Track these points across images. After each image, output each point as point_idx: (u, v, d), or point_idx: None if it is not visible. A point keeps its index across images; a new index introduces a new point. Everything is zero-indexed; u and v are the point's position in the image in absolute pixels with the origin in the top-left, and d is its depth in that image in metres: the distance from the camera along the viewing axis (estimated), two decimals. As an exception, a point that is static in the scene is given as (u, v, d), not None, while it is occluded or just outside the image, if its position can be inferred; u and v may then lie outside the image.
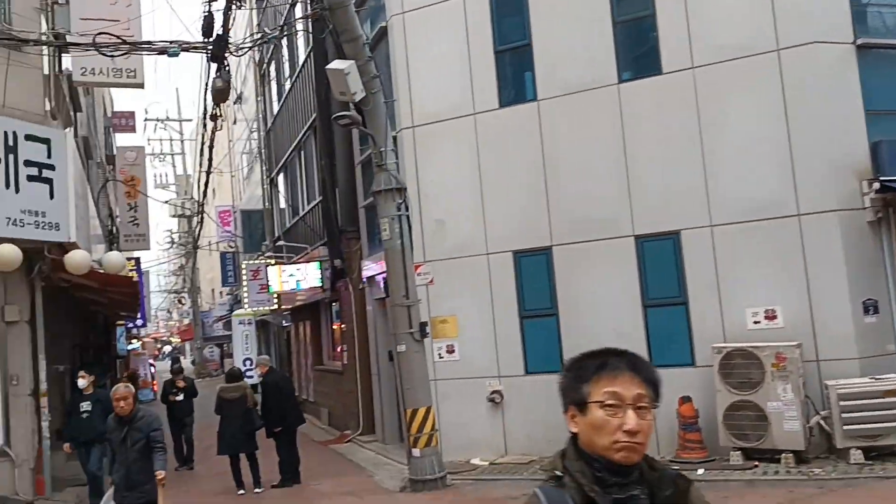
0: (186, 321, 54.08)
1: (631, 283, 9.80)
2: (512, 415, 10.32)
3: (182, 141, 39.45)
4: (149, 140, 39.62)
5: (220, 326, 41.33)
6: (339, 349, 15.26)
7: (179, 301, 48.98)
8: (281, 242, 17.47)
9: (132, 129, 24.25)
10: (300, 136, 16.71)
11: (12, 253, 8.21)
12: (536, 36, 10.51)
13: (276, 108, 20.37)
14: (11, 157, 8.72)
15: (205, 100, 13.42)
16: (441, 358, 10.58)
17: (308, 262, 15.42)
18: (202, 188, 20.83)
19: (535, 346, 10.30)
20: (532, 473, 9.22)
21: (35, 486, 9.36)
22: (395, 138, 10.02)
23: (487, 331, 10.50)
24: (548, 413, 10.04)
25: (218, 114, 11.55)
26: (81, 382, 9.13)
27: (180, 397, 11.84)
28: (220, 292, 45.81)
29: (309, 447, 10.81)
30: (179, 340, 65.50)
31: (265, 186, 21.92)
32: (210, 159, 16.87)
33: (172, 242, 41.70)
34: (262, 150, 21.99)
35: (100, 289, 11.75)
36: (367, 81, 8.97)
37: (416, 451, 8.96)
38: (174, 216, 39.73)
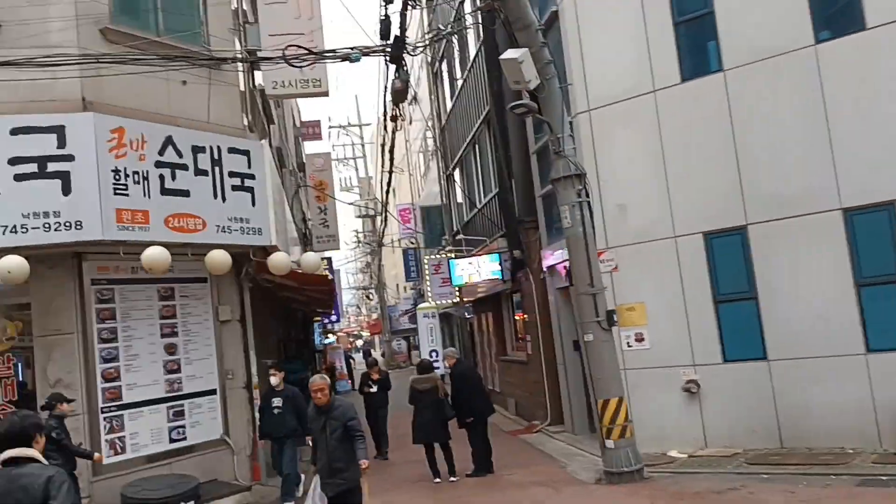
0: (374, 316, 56.77)
1: (838, 260, 8.94)
2: (711, 405, 9.79)
3: (363, 144, 41.32)
4: (333, 146, 41.89)
5: (405, 320, 42.95)
6: (522, 339, 15.26)
7: (367, 297, 51.44)
8: (460, 236, 17.75)
9: (318, 137, 25.76)
10: (474, 130, 16.88)
11: (223, 258, 8.94)
12: (719, 1, 9.86)
13: (449, 105, 20.73)
14: (217, 169, 9.48)
15: (384, 102, 13.87)
16: (630, 347, 10.24)
17: (487, 254, 15.54)
18: (384, 188, 21.61)
19: (733, 332, 9.69)
20: (736, 467, 8.69)
21: (252, 472, 10.16)
22: (570, 124, 9.81)
23: (679, 317, 10.02)
24: (751, 403, 9.48)
25: (397, 114, 11.90)
26: (273, 380, 9.68)
27: (374, 389, 12.36)
28: (404, 287, 47.67)
29: (498, 437, 10.89)
30: (369, 334, 68.82)
31: (442, 182, 22.40)
32: (391, 160, 17.46)
33: (359, 242, 43.89)
34: (438, 147, 22.47)
35: (298, 287, 12.54)
36: (540, 68, 8.85)
37: (609, 443, 8.73)
38: (359, 217, 41.77)
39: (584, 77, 10.81)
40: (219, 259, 8.89)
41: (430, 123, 24.80)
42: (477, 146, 17.10)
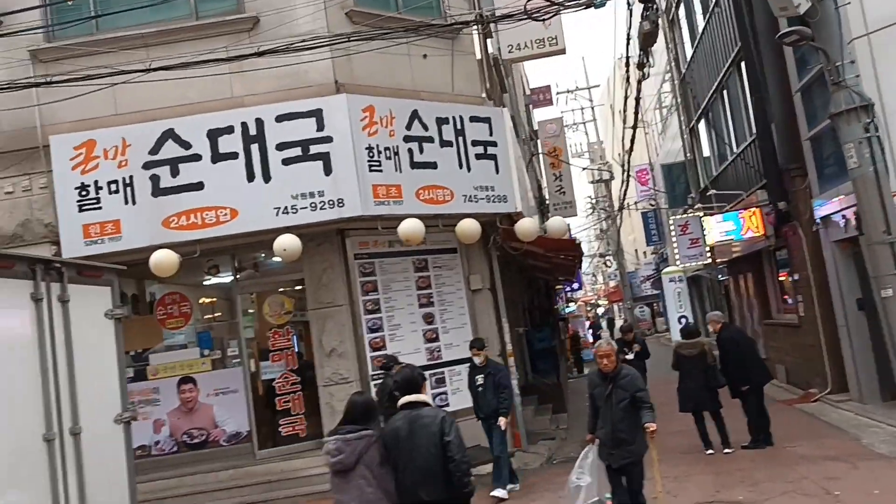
0: (612, 283, 55.62)
1: None
2: None
3: (592, 108, 40.27)
4: (561, 112, 41.21)
5: (647, 286, 41.51)
6: (791, 300, 13.83)
7: (605, 263, 50.39)
8: (710, 192, 16.49)
9: (549, 103, 25.40)
10: (721, 75, 15.53)
11: (473, 226, 8.95)
12: None
13: (689, 52, 19.32)
14: (461, 139, 9.51)
15: (626, 51, 13.14)
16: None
17: (745, 208, 14.24)
18: (628, 145, 20.71)
19: None
20: None
21: (513, 440, 10.16)
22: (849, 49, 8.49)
23: None
24: None
25: (645, 61, 11.19)
26: (477, 360, 8.89)
27: (631, 356, 11.82)
28: (644, 252, 46.04)
29: (771, 407, 9.86)
30: (607, 302, 67.71)
31: (685, 137, 21.03)
32: (636, 113, 16.56)
33: (593, 208, 43.01)
34: (678, 100, 21.10)
35: (543, 254, 12.35)
36: (811, -12, 7.72)
37: (919, 414, 7.52)
38: (592, 182, 40.88)
39: (861, -6, 9.35)
40: (469, 228, 8.91)
41: (666, 76, 23.39)
42: (725, 92, 15.73)
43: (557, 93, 38.36)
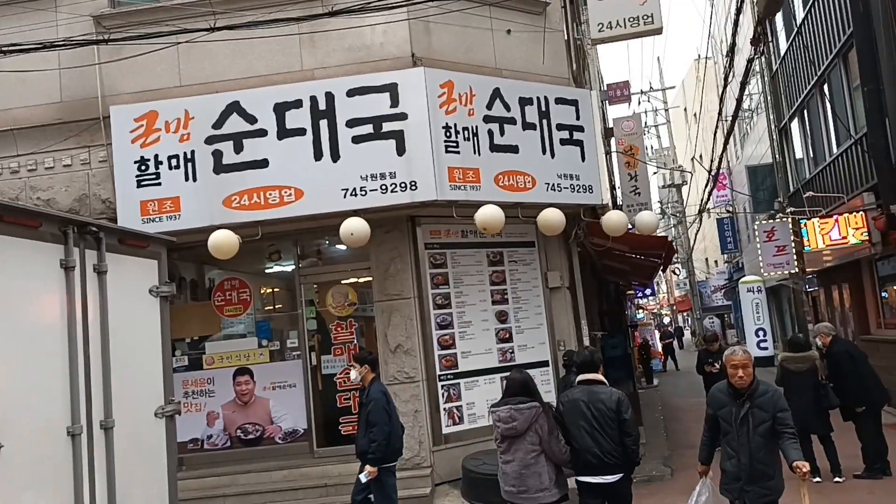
0: (677, 293, 53.74)
1: None
2: None
3: (666, 109, 38.80)
4: (633, 113, 39.89)
5: (718, 296, 39.79)
6: (896, 314, 12.58)
7: (673, 272, 48.71)
8: (808, 193, 15.25)
9: (627, 99, 24.14)
10: (822, 69, 14.32)
11: (557, 217, 8.13)
12: None
13: (783, 47, 18.05)
14: (545, 121, 8.72)
15: (732, 34, 12.07)
16: None
17: (847, 213, 13.02)
18: (722, 140, 19.40)
19: None
20: None
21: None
22: None
23: None
24: None
25: (762, 34, 10.10)
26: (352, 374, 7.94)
27: (716, 368, 10.78)
28: (715, 261, 44.23)
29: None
30: (669, 312, 65.55)
31: (773, 137, 19.72)
32: (738, 102, 15.22)
33: (663, 213, 41.49)
34: (769, 98, 19.80)
35: (625, 254, 11.43)
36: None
37: None
38: (663, 186, 39.44)
39: None
40: (553, 218, 8.10)
41: (750, 75, 22.05)
42: (826, 87, 14.50)
43: (629, 94, 37.03)
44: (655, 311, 66.85)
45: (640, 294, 25.64)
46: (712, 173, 20.21)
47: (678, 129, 44.66)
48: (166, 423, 4.50)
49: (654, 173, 35.74)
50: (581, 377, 5.37)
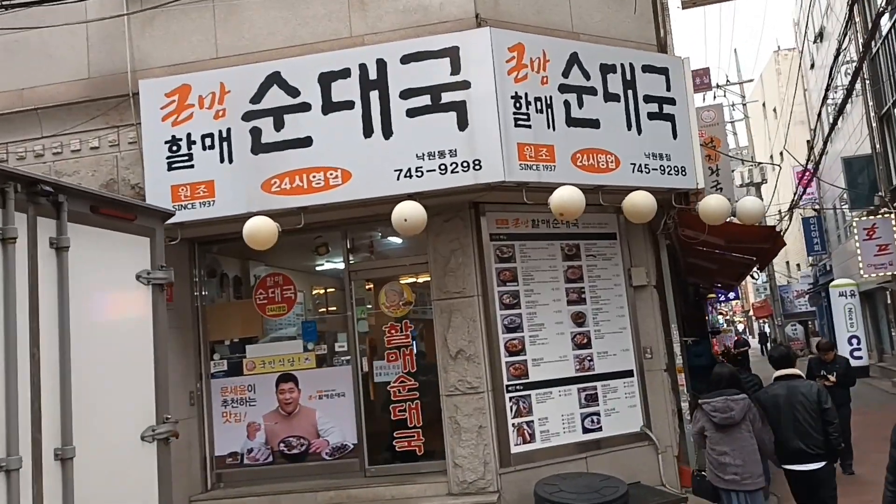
0: (753, 298, 51.13)
1: None
2: None
3: (744, 104, 36.67)
4: (714, 102, 37.79)
5: (802, 302, 37.40)
6: None
7: (750, 275, 46.26)
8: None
9: (708, 87, 22.70)
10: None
11: (647, 201, 6.88)
12: None
13: (885, 26, 16.28)
14: (630, 92, 7.50)
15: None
16: None
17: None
18: (827, 125, 17.69)
19: None
20: None
21: (679, 476, 8.05)
22: None
23: None
24: None
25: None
26: None
27: (831, 380, 9.33)
28: (798, 264, 41.71)
29: None
30: (743, 319, 62.61)
31: (872, 125, 17.89)
32: (853, 79, 13.51)
33: (740, 214, 39.21)
34: (868, 82, 17.98)
35: (718, 249, 10.07)
36: None
37: None
38: (742, 186, 37.33)
39: None
40: (642, 202, 6.86)
41: (844, 59, 20.18)
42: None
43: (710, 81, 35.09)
44: (728, 317, 64.00)
45: (721, 298, 23.81)
46: (810, 165, 18.46)
47: (756, 126, 42.32)
48: (158, 449, 3.46)
49: (733, 170, 33.69)
50: (779, 372, 6.04)
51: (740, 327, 56.66)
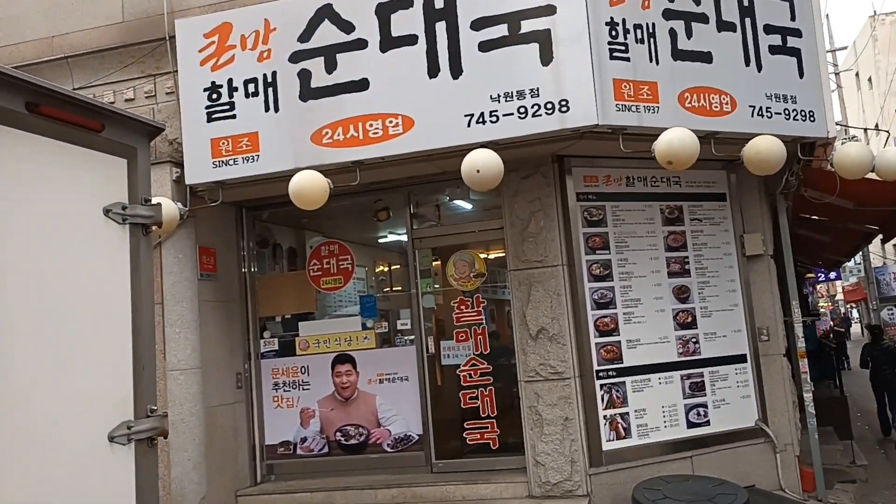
0: (841, 281, 48.09)
1: None
2: None
3: (837, 73, 34.11)
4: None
5: (901, 283, 34.69)
6: None
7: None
8: None
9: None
10: None
11: (774, 147, 5.60)
12: None
13: None
14: (748, 21, 6.23)
15: None
16: None
17: None
18: None
19: None
20: None
21: (801, 480, 6.81)
22: None
23: None
24: None
25: None
26: None
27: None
28: (894, 245, 38.86)
29: None
30: (829, 302, 59.20)
31: None
32: None
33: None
34: None
35: (842, 216, 8.66)
36: None
37: None
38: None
39: None
40: (768, 149, 5.58)
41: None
42: None
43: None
44: (825, 298, 60.63)
45: (821, 277, 21.89)
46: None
47: (849, 97, 39.53)
48: (138, 453, 2.42)
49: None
50: None
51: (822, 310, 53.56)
